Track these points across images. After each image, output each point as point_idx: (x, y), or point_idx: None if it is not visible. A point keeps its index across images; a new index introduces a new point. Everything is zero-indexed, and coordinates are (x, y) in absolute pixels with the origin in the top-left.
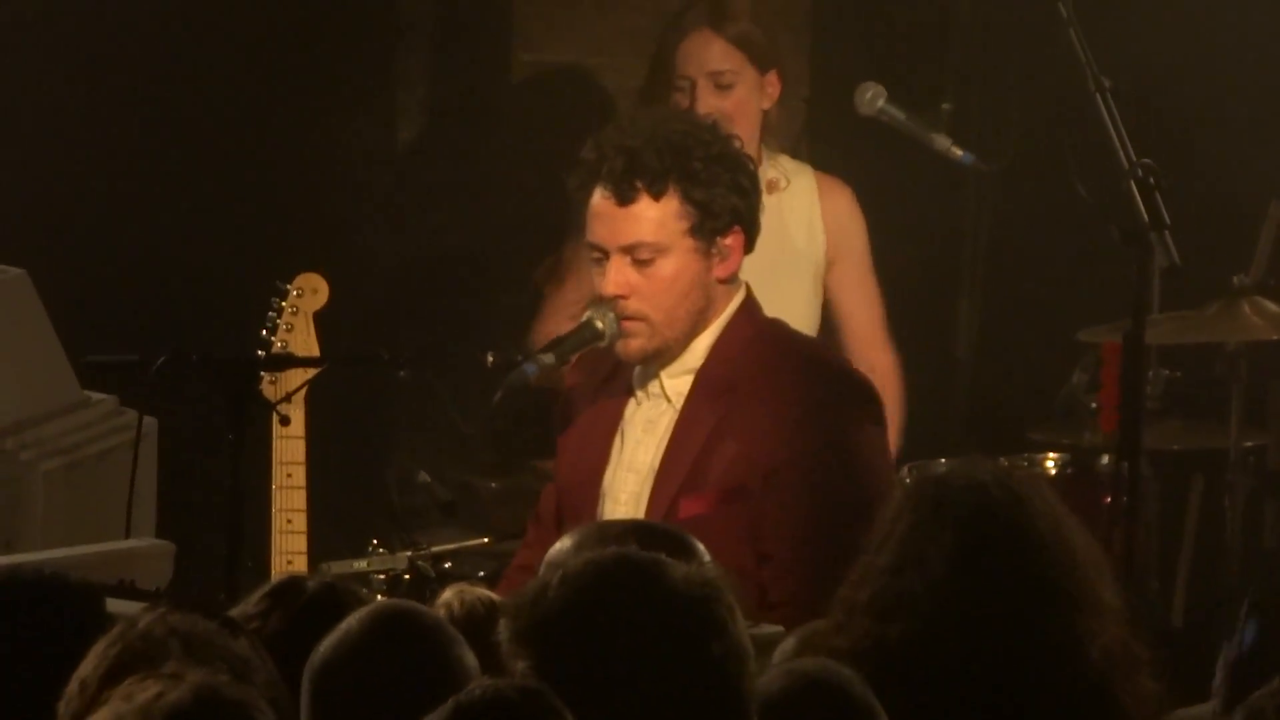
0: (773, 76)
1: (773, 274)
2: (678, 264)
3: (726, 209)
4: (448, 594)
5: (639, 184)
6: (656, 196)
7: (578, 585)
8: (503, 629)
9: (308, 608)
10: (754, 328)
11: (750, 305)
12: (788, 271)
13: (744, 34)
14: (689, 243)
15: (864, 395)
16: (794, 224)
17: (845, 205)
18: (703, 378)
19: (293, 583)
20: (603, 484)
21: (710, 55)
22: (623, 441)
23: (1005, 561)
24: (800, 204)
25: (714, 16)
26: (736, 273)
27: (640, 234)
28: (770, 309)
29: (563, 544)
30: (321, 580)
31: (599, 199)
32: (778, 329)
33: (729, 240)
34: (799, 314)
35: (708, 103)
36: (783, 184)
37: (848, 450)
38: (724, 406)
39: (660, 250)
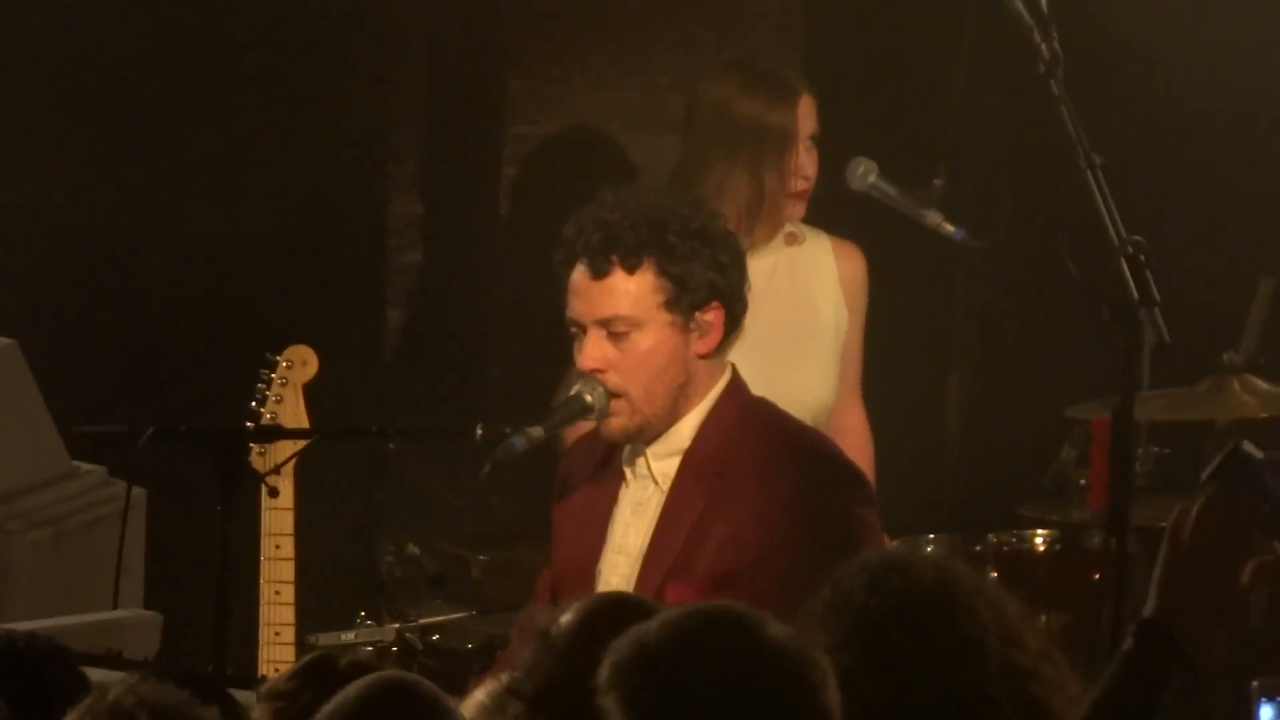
0: None
1: (792, 337)
2: (654, 338)
3: (703, 284)
4: (479, 694)
5: (614, 257)
6: (631, 270)
7: (681, 629)
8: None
9: (340, 686)
10: (740, 409)
11: (737, 385)
12: (808, 333)
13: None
14: (665, 317)
15: (852, 479)
16: (813, 286)
17: (860, 271)
18: (690, 460)
19: (324, 661)
20: (597, 567)
21: (812, 116)
22: (614, 524)
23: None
24: (819, 267)
25: (806, 82)
26: (717, 349)
27: (615, 307)
28: (791, 372)
29: (559, 616)
30: (354, 659)
31: (577, 274)
32: (765, 411)
33: (709, 316)
34: (819, 375)
35: (804, 164)
36: (801, 238)
37: (837, 535)
38: (712, 490)
39: (635, 324)
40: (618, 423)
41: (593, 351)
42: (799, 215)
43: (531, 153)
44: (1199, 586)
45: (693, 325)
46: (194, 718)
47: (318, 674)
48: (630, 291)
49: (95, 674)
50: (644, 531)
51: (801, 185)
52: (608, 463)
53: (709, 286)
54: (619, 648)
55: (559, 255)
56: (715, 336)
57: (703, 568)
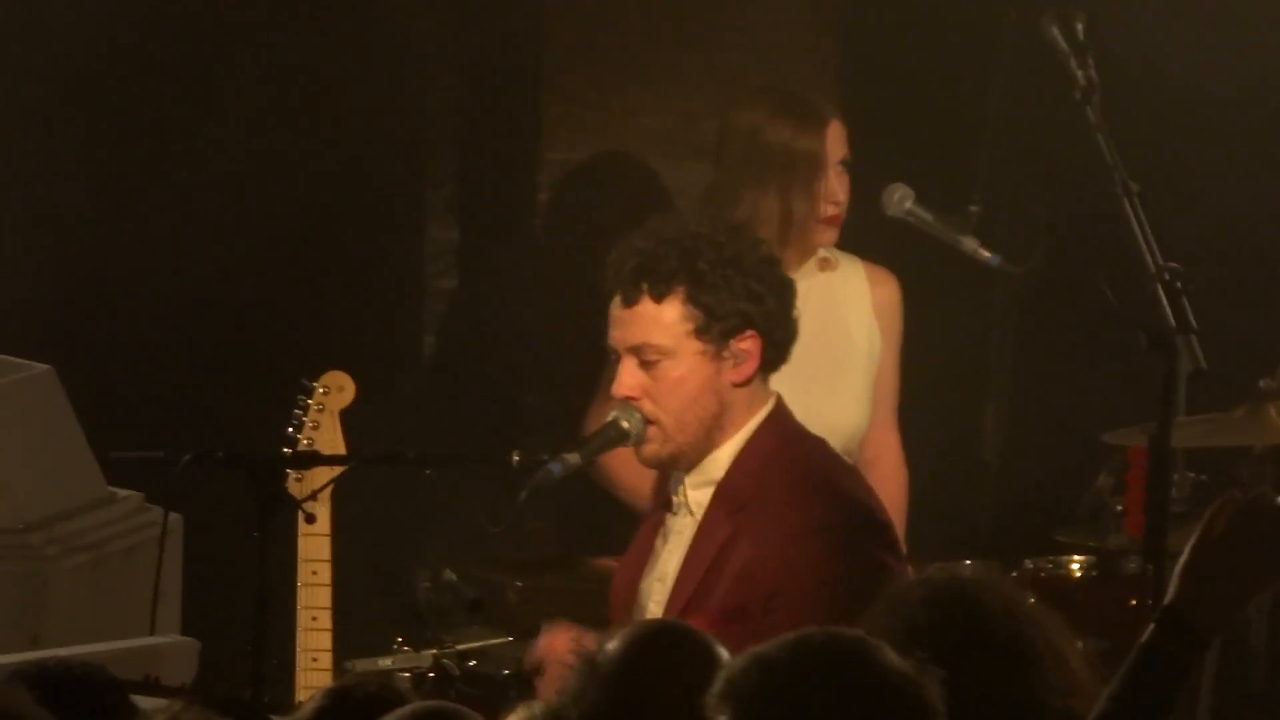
0: None
1: (826, 361)
2: (685, 367)
3: (734, 312)
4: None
5: (644, 285)
6: (659, 298)
7: (800, 649)
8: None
9: (359, 716)
10: (781, 441)
11: (779, 415)
12: (842, 358)
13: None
14: (695, 345)
15: (871, 521)
16: (847, 312)
17: (894, 296)
18: (721, 491)
19: (344, 691)
20: (639, 590)
21: (842, 141)
22: (657, 550)
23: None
24: (853, 293)
25: (834, 108)
26: (753, 378)
27: (645, 335)
28: (825, 396)
29: (606, 645)
30: (372, 688)
31: (614, 301)
32: (803, 446)
33: (744, 344)
34: (852, 400)
35: (843, 189)
36: (834, 263)
37: (848, 578)
38: (736, 523)
39: (665, 352)
40: (651, 450)
41: (627, 379)
42: (830, 241)
43: (566, 178)
44: (1222, 578)
45: (726, 354)
46: None
47: (339, 704)
48: (660, 320)
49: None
50: (678, 559)
51: (832, 211)
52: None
53: (740, 315)
54: (733, 665)
55: (603, 282)
56: (751, 366)
57: (717, 600)
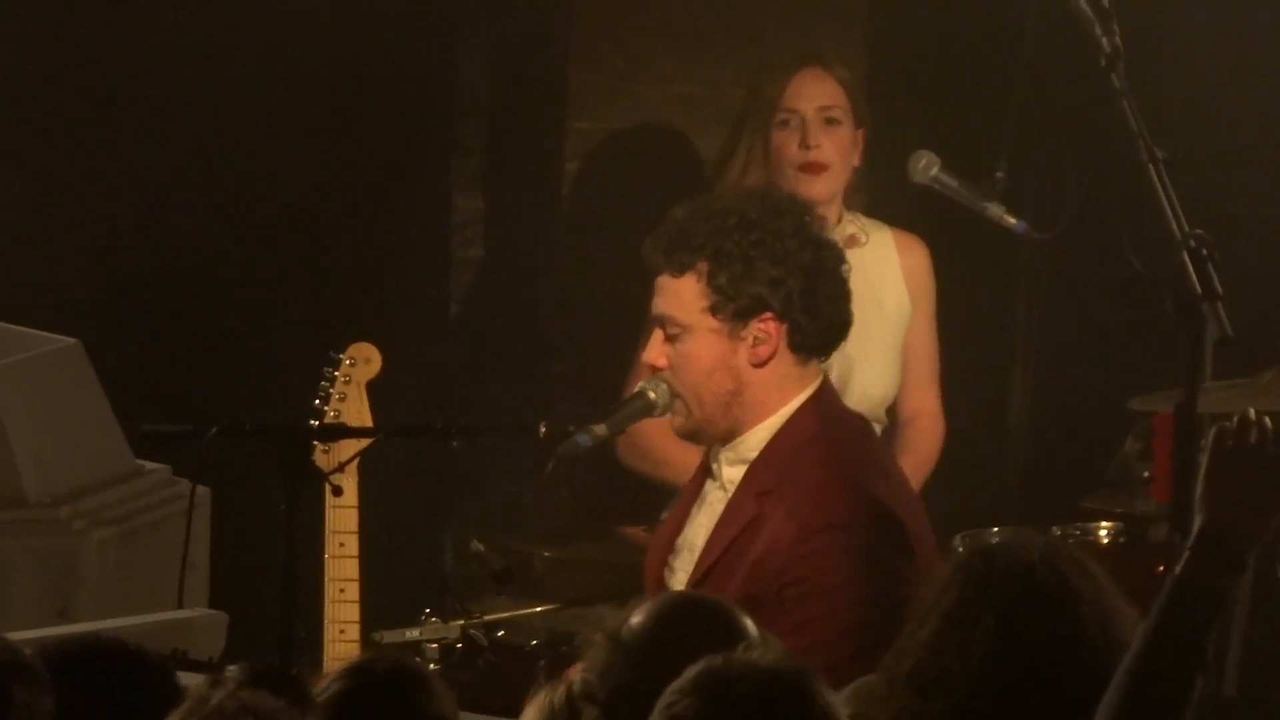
0: (862, 134)
1: (855, 330)
2: (699, 343)
3: (750, 295)
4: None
5: (671, 258)
6: (679, 273)
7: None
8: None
9: (377, 691)
10: (820, 424)
11: (822, 399)
12: (871, 327)
13: (848, 80)
14: (710, 322)
15: (885, 521)
16: (878, 282)
17: (923, 261)
18: (752, 472)
19: (364, 665)
20: (670, 556)
21: (822, 90)
22: (690, 519)
23: (1045, 649)
24: (882, 262)
25: (822, 58)
26: (772, 360)
27: (665, 307)
28: (855, 366)
29: (630, 619)
30: (397, 660)
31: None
32: (839, 433)
33: (763, 326)
34: (881, 369)
35: (817, 135)
36: (862, 239)
37: (856, 580)
38: (760, 507)
39: (683, 327)
40: (677, 421)
41: (654, 347)
42: (818, 193)
43: (594, 147)
44: (1245, 492)
45: (744, 334)
46: None
47: (358, 678)
48: (678, 294)
49: None
50: (705, 531)
51: (809, 157)
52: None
53: (755, 299)
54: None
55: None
56: (769, 348)
57: (734, 586)
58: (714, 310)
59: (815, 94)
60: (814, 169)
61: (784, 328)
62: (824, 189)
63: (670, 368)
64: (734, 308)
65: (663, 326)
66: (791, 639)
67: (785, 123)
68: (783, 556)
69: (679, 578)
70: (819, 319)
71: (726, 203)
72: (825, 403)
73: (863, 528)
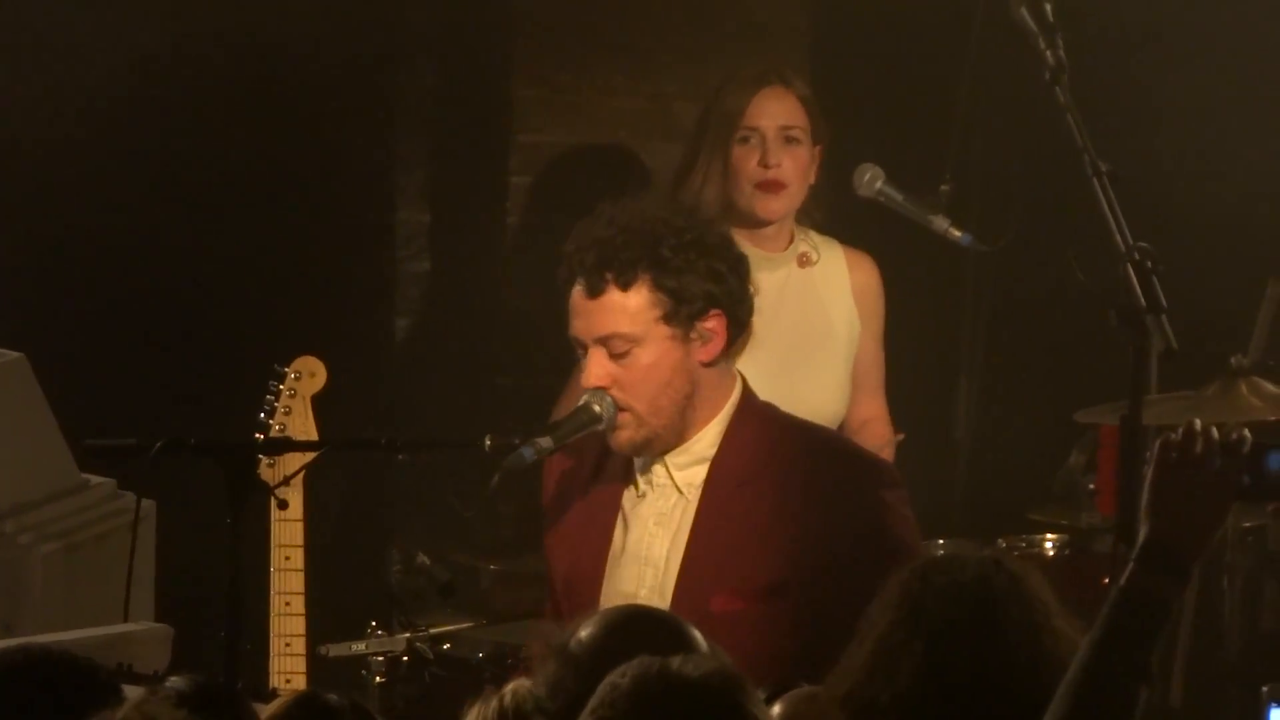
0: (819, 150)
1: (806, 348)
2: (655, 353)
3: (700, 294)
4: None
5: (609, 276)
6: (625, 287)
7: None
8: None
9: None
10: (767, 411)
11: (750, 394)
12: (821, 345)
13: (808, 98)
14: (664, 330)
15: (887, 475)
16: (829, 301)
17: (873, 280)
18: (718, 469)
19: (311, 698)
20: (604, 574)
21: (784, 108)
22: (626, 531)
23: (972, 680)
24: (833, 280)
25: (784, 76)
26: (722, 356)
27: (613, 326)
28: (804, 383)
29: (578, 632)
30: (344, 699)
31: (575, 293)
32: (781, 417)
33: (709, 324)
34: (831, 387)
35: (778, 154)
36: (814, 257)
37: (885, 538)
38: (748, 499)
39: (634, 340)
40: (625, 435)
41: (596, 369)
42: (775, 211)
43: (539, 161)
44: (1190, 502)
45: (694, 335)
46: None
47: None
48: (627, 309)
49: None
50: (668, 541)
51: (768, 175)
52: (602, 469)
53: (706, 296)
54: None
55: (561, 273)
56: (718, 344)
57: (751, 578)
58: (667, 318)
59: (777, 112)
60: (773, 187)
61: (726, 323)
62: (781, 207)
63: (618, 384)
64: (687, 310)
65: (604, 345)
66: (835, 609)
67: (745, 139)
68: (808, 540)
69: (640, 595)
70: (750, 310)
71: (643, 215)
72: (754, 395)
73: (875, 489)
